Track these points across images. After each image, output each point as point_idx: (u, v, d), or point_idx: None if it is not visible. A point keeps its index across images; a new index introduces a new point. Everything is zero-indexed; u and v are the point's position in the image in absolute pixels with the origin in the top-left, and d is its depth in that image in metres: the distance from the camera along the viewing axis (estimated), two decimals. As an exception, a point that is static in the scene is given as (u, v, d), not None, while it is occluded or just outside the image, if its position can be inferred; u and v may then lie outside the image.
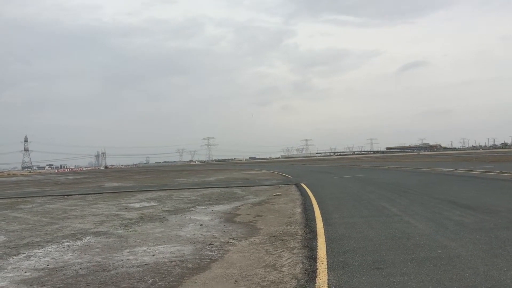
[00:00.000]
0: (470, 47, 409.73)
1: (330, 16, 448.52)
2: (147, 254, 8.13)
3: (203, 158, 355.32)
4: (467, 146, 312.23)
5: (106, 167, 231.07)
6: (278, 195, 18.98)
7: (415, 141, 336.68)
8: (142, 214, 14.21)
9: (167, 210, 14.94)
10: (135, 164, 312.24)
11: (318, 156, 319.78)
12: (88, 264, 7.53)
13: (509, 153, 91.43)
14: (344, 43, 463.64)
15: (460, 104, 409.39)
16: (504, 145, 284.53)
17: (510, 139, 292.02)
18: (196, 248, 8.46)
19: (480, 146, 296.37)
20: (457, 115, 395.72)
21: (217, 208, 15.10)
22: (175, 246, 8.78)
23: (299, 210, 13.63)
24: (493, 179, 21.37)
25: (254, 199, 17.61)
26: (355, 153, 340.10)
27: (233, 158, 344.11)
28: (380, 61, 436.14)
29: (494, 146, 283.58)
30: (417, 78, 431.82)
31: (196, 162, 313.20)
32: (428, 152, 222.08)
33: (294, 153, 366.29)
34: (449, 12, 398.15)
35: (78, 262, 7.71)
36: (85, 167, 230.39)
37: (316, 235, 9.04)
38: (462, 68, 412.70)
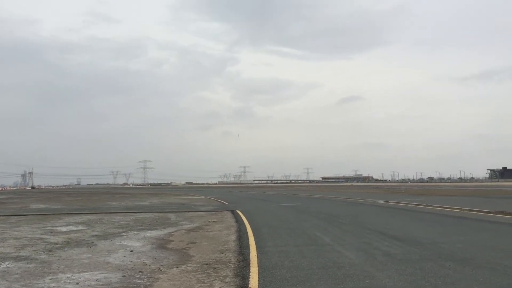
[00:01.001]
0: (402, 85, 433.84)
1: (272, 47, 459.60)
2: (71, 281, 7.68)
3: (139, 181, 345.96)
4: (397, 178, 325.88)
5: (33, 187, 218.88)
6: (213, 221, 18.77)
7: (349, 172, 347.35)
8: (69, 238, 13.50)
9: (96, 235, 14.31)
10: (65, 185, 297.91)
11: (256, 183, 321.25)
12: (4, 292, 6.99)
13: (435, 187, 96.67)
14: (286, 74, 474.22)
15: (392, 138, 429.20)
16: (430, 179, 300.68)
17: (436, 173, 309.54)
18: (124, 276, 8.11)
19: (409, 179, 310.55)
20: (388, 148, 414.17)
21: (149, 233, 14.66)
22: (102, 273, 8.37)
23: (233, 237, 13.53)
24: (420, 212, 22.38)
25: (189, 225, 17.30)
26: (292, 181, 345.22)
27: (169, 182, 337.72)
28: (319, 93, 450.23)
29: (421, 180, 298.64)
30: (353, 112, 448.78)
31: (131, 185, 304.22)
32: (361, 183, 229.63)
33: (232, 179, 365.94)
34: (385, 51, 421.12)
35: (-8, 289, 7.14)
36: (10, 187, 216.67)
37: (249, 263, 8.98)
38: (394, 104, 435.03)
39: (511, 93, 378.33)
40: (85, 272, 8.47)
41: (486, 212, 20.67)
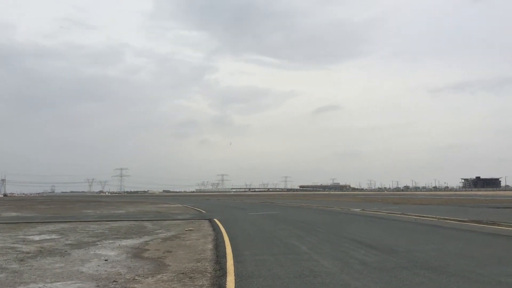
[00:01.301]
0: (379, 95, 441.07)
1: (251, 56, 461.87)
2: (43, 291, 7.50)
3: (115, 189, 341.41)
4: (373, 187, 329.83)
5: (5, 195, 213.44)
6: (190, 230, 18.62)
7: (326, 181, 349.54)
8: (42, 247, 13.20)
9: (69, 244, 14.02)
10: (39, 193, 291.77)
11: (233, 191, 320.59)
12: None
13: (410, 196, 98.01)
14: (264, 83, 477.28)
15: (369, 147, 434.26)
16: (406, 188, 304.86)
17: (411, 182, 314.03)
18: (98, 286, 7.96)
19: (385, 188, 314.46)
20: (365, 157, 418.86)
21: (124, 242, 14.45)
22: (75, 283, 8.20)
23: (210, 246, 13.44)
24: (395, 220, 22.64)
25: (165, 234, 17.11)
26: (270, 190, 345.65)
27: (146, 190, 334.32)
28: (297, 102, 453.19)
29: (397, 189, 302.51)
30: (330, 121, 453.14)
31: (107, 193, 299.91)
32: (338, 192, 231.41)
33: (210, 187, 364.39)
34: (362, 61, 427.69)
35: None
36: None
37: (226, 272, 8.93)
38: (371, 114, 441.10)
39: (483, 104, 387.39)
40: (57, 282, 8.28)
41: (460, 221, 21.04)
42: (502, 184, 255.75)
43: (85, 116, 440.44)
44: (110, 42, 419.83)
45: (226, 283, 7.91)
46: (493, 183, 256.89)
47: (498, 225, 18.39)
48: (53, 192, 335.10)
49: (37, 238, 15.84)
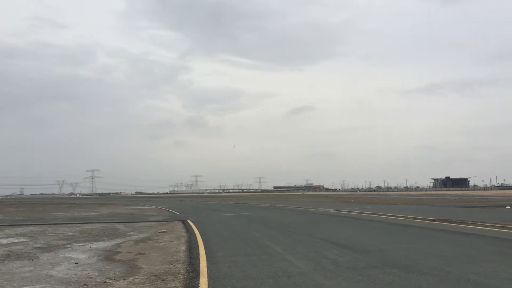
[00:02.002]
0: (352, 97, 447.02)
1: (225, 56, 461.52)
2: (10, 296, 7.30)
3: (86, 191, 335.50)
4: (346, 187, 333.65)
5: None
6: (163, 232, 18.44)
7: (300, 181, 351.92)
8: (9, 251, 12.84)
9: (39, 247, 13.69)
10: (7, 196, 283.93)
11: (208, 192, 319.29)
12: None
13: (382, 196, 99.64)
14: (238, 83, 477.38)
15: (342, 148, 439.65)
16: (378, 188, 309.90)
17: (384, 183, 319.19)
18: (68, 289, 7.79)
19: (358, 188, 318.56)
20: (339, 158, 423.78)
21: (96, 245, 14.20)
22: (45, 287, 8.01)
23: (183, 248, 13.34)
24: (368, 220, 22.95)
25: (138, 236, 16.90)
26: (244, 191, 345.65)
27: (119, 192, 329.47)
28: (271, 103, 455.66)
29: (370, 189, 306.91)
30: (305, 122, 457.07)
31: (78, 195, 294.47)
32: (312, 192, 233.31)
33: (183, 189, 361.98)
34: (335, 63, 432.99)
35: None
36: None
37: (199, 274, 8.88)
38: (344, 115, 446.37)
39: (453, 106, 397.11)
40: (26, 286, 8.07)
41: (430, 220, 21.49)
42: (471, 184, 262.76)
43: (55, 117, 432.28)
44: (81, 42, 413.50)
45: (199, 284, 7.86)
46: (462, 183, 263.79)
47: (467, 224, 18.86)
48: (22, 194, 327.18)
49: (5, 241, 15.41)
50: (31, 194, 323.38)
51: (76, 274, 9.27)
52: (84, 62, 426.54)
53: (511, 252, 10.96)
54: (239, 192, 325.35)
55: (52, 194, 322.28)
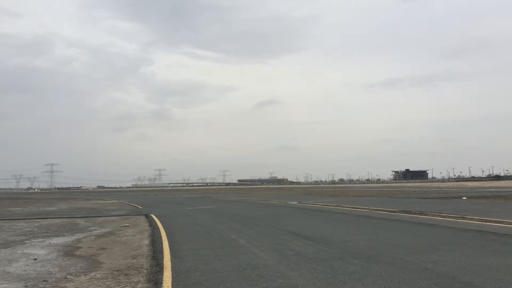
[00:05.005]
0: (316, 90, 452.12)
1: (188, 49, 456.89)
2: (-37, 295, 7.00)
3: (45, 185, 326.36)
4: (310, 180, 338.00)
5: None
6: (126, 226, 18.14)
7: (265, 175, 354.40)
8: (-37, 248, 12.33)
9: (-6, 244, 13.21)
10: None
11: (171, 186, 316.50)
12: None
13: (345, 188, 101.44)
14: (202, 76, 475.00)
15: (306, 141, 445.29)
16: (341, 180, 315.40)
17: (346, 175, 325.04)
18: (26, 286, 7.54)
19: (321, 181, 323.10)
20: (302, 151, 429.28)
21: (55, 240, 13.82)
22: (2, 284, 7.72)
23: (147, 242, 13.16)
24: (331, 212, 23.30)
25: (99, 231, 16.56)
26: (208, 184, 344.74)
27: (79, 186, 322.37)
28: (236, 96, 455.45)
29: (333, 182, 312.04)
30: (269, 115, 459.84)
31: (36, 190, 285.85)
32: (276, 185, 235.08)
33: (146, 182, 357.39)
34: (300, 57, 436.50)
35: None
36: None
37: (163, 268, 8.78)
38: (308, 108, 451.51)
39: (413, 100, 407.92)
40: (-20, 284, 7.77)
41: (391, 211, 22.03)
42: (429, 176, 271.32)
43: (11, 109, 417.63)
44: (38, 31, 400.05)
45: (163, 278, 7.77)
46: (421, 175, 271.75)
47: (425, 214, 19.42)
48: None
49: (-43, 238, 14.78)
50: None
51: (35, 270, 8.98)
52: (42, 52, 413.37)
53: (467, 241, 11.35)
54: (203, 185, 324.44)
55: (9, 189, 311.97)
